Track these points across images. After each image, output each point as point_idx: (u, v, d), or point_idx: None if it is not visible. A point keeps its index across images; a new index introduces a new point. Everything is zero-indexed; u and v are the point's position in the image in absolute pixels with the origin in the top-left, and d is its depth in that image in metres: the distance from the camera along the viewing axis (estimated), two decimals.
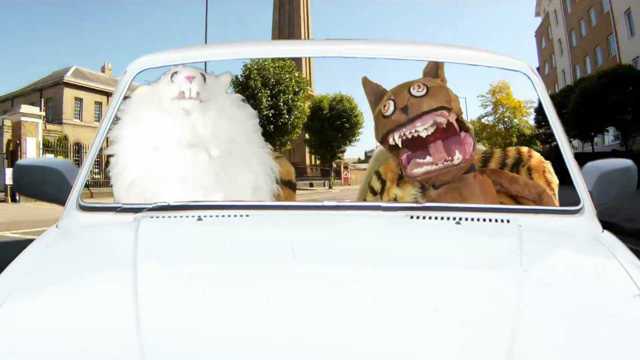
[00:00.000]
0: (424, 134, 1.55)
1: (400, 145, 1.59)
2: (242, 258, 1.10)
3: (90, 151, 1.47)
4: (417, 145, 1.58)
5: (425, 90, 1.56)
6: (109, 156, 1.58)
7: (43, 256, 1.16)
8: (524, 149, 1.76)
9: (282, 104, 29.56)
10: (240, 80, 28.81)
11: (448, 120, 1.55)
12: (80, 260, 1.15)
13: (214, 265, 1.08)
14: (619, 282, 0.99)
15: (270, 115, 28.81)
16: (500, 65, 1.55)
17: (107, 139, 1.51)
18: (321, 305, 0.87)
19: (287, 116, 29.98)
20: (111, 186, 1.59)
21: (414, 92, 1.56)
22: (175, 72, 1.56)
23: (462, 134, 1.58)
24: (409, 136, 1.56)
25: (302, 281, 0.97)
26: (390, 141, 1.60)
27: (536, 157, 1.72)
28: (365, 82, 1.76)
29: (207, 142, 1.54)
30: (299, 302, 0.89)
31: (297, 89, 30.48)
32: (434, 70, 1.68)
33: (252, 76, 28.81)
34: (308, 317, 0.84)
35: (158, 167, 1.50)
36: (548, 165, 1.70)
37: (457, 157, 1.53)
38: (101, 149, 1.51)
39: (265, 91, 28.72)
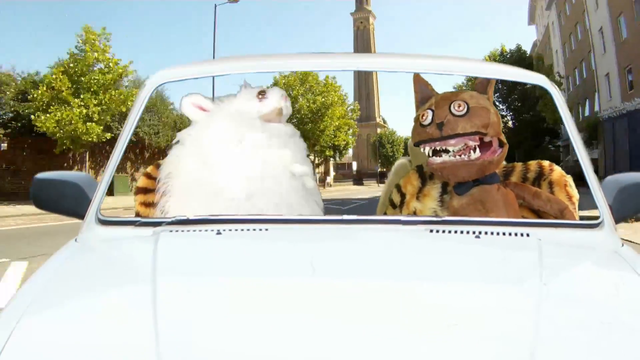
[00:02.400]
0: (452, 150, 1.57)
1: (430, 155, 1.61)
2: (262, 272, 1.10)
3: (109, 165, 1.47)
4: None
5: (465, 110, 1.56)
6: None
7: (62, 270, 1.16)
8: (545, 163, 1.76)
9: None
10: None
11: (482, 141, 1.57)
12: (99, 274, 1.15)
13: (233, 279, 1.08)
14: None
15: None
16: (522, 79, 1.56)
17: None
18: (341, 320, 0.87)
19: None
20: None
21: (454, 109, 1.57)
22: (263, 91, 1.61)
23: (495, 145, 1.60)
24: (438, 149, 1.58)
25: (321, 296, 0.96)
26: (422, 149, 1.63)
27: (557, 171, 1.71)
28: (416, 80, 1.74)
29: (305, 172, 1.59)
30: (318, 316, 0.88)
31: None
32: (484, 86, 1.67)
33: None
34: (328, 332, 0.84)
35: (259, 189, 1.52)
36: (569, 179, 1.69)
37: (476, 155, 1.55)
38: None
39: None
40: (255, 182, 1.51)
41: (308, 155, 1.72)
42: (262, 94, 1.59)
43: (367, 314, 0.89)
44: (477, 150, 1.55)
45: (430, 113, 1.59)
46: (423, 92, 1.73)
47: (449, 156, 1.56)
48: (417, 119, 1.64)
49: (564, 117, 1.48)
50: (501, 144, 1.61)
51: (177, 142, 1.62)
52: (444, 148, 1.56)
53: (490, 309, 0.93)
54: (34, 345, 0.84)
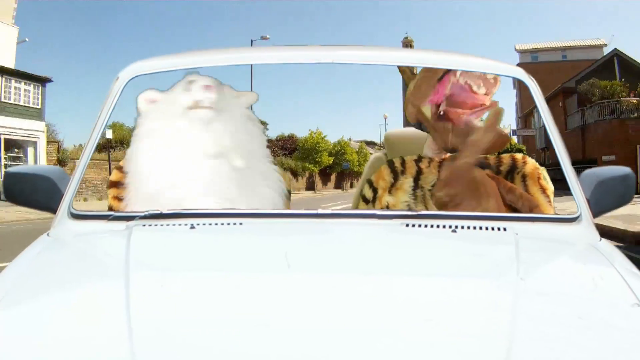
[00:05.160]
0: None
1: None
2: (236, 267, 1.09)
3: (82, 159, 1.45)
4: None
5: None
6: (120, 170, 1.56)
7: (33, 265, 1.14)
8: (519, 156, 1.75)
9: None
10: None
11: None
12: (71, 269, 1.13)
13: (206, 274, 1.07)
14: (617, 291, 0.97)
15: None
16: (499, 72, 1.56)
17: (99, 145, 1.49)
18: (315, 315, 0.86)
19: None
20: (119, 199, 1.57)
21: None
22: (192, 81, 1.55)
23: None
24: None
25: (296, 290, 0.95)
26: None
27: (531, 164, 1.71)
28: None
29: (230, 153, 1.52)
30: (292, 311, 0.87)
31: None
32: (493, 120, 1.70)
33: None
34: (302, 327, 0.83)
35: (181, 177, 1.47)
36: (543, 171, 1.69)
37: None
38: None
39: None
40: (175, 171, 1.48)
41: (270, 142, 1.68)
42: (190, 82, 1.55)
43: (342, 310, 0.87)
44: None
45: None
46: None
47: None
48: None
49: (540, 109, 1.48)
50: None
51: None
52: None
53: (466, 304, 0.92)
54: (3, 341, 0.81)
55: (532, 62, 40.22)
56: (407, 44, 36.52)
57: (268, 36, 27.50)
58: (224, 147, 1.51)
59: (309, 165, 33.84)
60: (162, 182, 1.47)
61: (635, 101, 24.17)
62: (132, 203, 1.52)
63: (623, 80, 25.38)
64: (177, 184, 1.47)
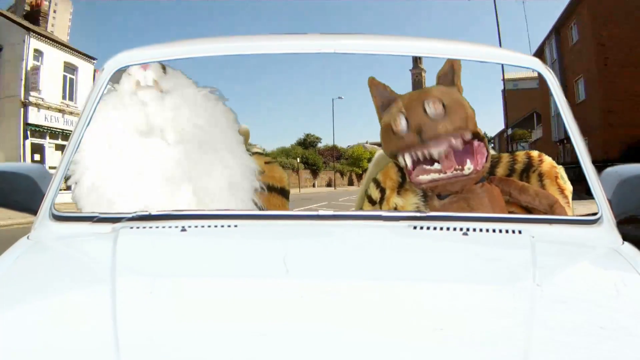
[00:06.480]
0: (436, 155, 1.48)
1: (409, 164, 1.51)
2: (230, 272, 1.05)
3: (64, 156, 1.39)
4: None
5: (441, 110, 1.47)
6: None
7: (12, 271, 1.09)
8: (534, 153, 1.70)
9: None
10: None
11: (463, 139, 1.48)
12: (52, 275, 1.09)
13: (199, 280, 1.02)
14: None
15: None
16: (514, 63, 1.50)
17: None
18: (316, 324, 0.82)
19: None
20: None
21: (429, 110, 1.47)
22: (131, 67, 1.51)
23: (475, 142, 1.51)
24: (421, 158, 1.49)
25: (295, 298, 0.91)
26: (400, 160, 1.53)
27: (547, 162, 1.66)
28: (372, 83, 1.63)
29: (164, 131, 1.46)
30: (291, 320, 0.83)
31: None
32: (450, 77, 1.57)
33: None
34: (301, 337, 0.78)
35: (114, 165, 1.43)
36: (560, 170, 1.64)
37: (468, 167, 1.47)
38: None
39: None
40: (108, 156, 1.45)
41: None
42: (130, 69, 1.51)
43: (344, 319, 0.83)
44: (469, 162, 1.46)
45: (402, 118, 1.49)
46: (382, 95, 1.62)
47: (438, 174, 1.47)
48: (387, 127, 1.55)
49: (558, 102, 1.42)
50: (480, 138, 1.52)
51: None
52: (426, 155, 1.47)
53: (478, 312, 0.88)
54: None
55: (513, 88, 42.10)
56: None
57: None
58: (154, 125, 1.46)
59: (356, 169, 38.51)
60: (98, 173, 1.43)
61: None
62: (76, 200, 1.46)
63: None
64: (112, 174, 1.43)
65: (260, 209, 1.56)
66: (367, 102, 1.64)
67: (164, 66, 1.52)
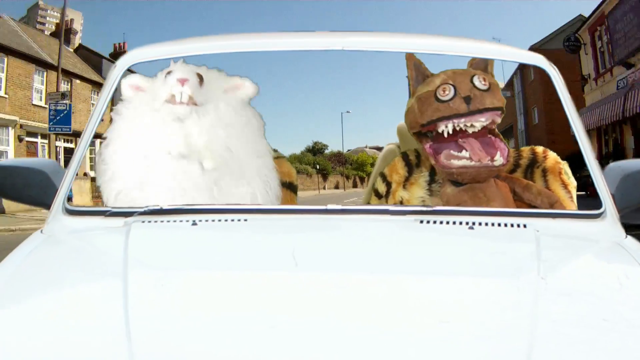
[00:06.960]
0: (478, 128, 1.50)
1: (447, 134, 1.53)
2: (240, 265, 1.05)
3: (77, 151, 1.40)
4: (449, 139, 1.53)
5: (488, 86, 1.51)
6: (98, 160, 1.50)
7: (26, 264, 1.09)
8: (539, 149, 1.70)
9: None
10: None
11: (494, 123, 1.52)
12: (66, 268, 1.09)
13: (209, 273, 1.03)
14: None
15: None
16: (520, 60, 1.53)
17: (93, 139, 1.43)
18: (324, 316, 0.82)
19: None
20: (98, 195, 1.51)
21: (478, 83, 1.50)
22: (170, 72, 1.48)
23: (493, 137, 1.54)
24: (463, 128, 1.50)
25: (304, 290, 0.91)
26: (440, 128, 1.53)
27: (552, 158, 1.66)
28: (410, 57, 1.66)
29: (200, 153, 1.45)
30: (300, 312, 0.83)
31: None
32: (483, 65, 1.59)
33: None
34: (310, 329, 0.79)
35: (147, 178, 1.42)
36: (565, 166, 1.64)
37: (498, 158, 1.49)
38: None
39: None
40: (140, 171, 1.43)
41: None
42: (168, 74, 1.48)
43: (351, 311, 0.84)
44: (498, 154, 1.49)
45: (451, 88, 1.51)
46: (419, 70, 1.64)
47: (470, 160, 1.48)
48: (428, 95, 1.55)
49: (563, 100, 1.42)
50: (496, 134, 1.56)
51: None
52: (469, 124, 1.49)
53: (483, 305, 0.88)
54: None
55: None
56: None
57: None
58: (193, 147, 1.44)
59: (360, 172, 39.20)
60: (128, 181, 1.43)
61: None
62: (105, 201, 1.47)
63: None
64: (143, 185, 1.42)
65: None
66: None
67: (200, 76, 1.49)
